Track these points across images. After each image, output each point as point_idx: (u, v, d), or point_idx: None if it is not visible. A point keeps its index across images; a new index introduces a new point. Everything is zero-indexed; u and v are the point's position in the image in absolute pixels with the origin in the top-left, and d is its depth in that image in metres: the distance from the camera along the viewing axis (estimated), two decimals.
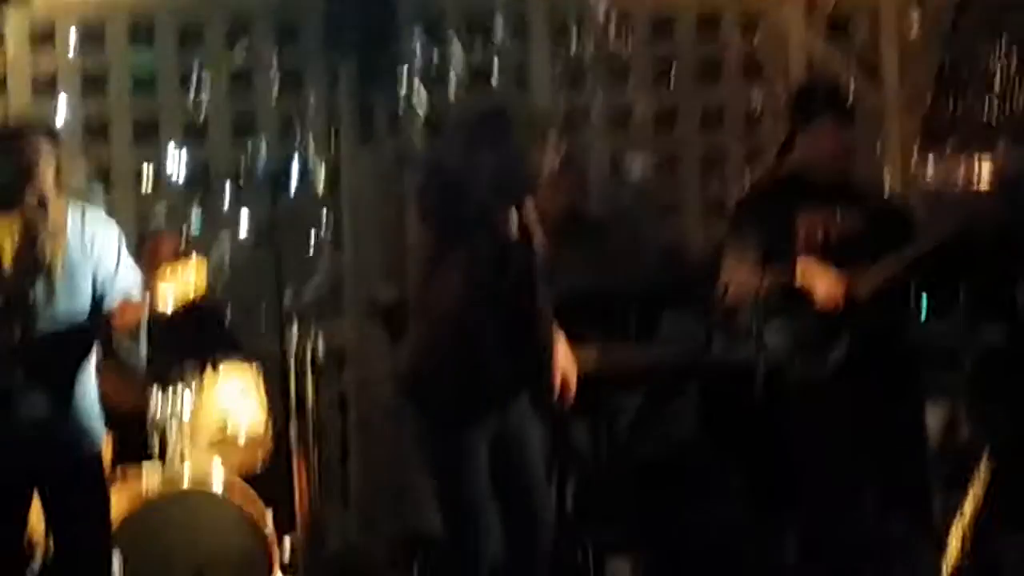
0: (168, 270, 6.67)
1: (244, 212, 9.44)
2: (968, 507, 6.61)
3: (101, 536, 6.81)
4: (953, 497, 6.89)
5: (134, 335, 7.38)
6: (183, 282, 6.66)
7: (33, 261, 6.52)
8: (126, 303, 6.63)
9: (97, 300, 6.63)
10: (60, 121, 9.34)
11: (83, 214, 6.75)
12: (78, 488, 6.69)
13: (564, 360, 6.98)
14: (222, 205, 9.48)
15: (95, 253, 6.67)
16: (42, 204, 6.48)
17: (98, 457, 6.81)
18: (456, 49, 9.90)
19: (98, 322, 6.64)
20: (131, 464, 7.86)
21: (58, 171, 6.67)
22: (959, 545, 6.57)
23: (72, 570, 6.77)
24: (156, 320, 7.21)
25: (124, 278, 6.68)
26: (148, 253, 8.33)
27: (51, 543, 6.92)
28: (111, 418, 7.03)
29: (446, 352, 6.74)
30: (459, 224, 6.62)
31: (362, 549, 8.67)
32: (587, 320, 7.65)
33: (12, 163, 6.30)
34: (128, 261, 6.78)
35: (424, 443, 6.89)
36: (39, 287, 6.52)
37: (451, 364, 6.72)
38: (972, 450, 7.19)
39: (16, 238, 6.49)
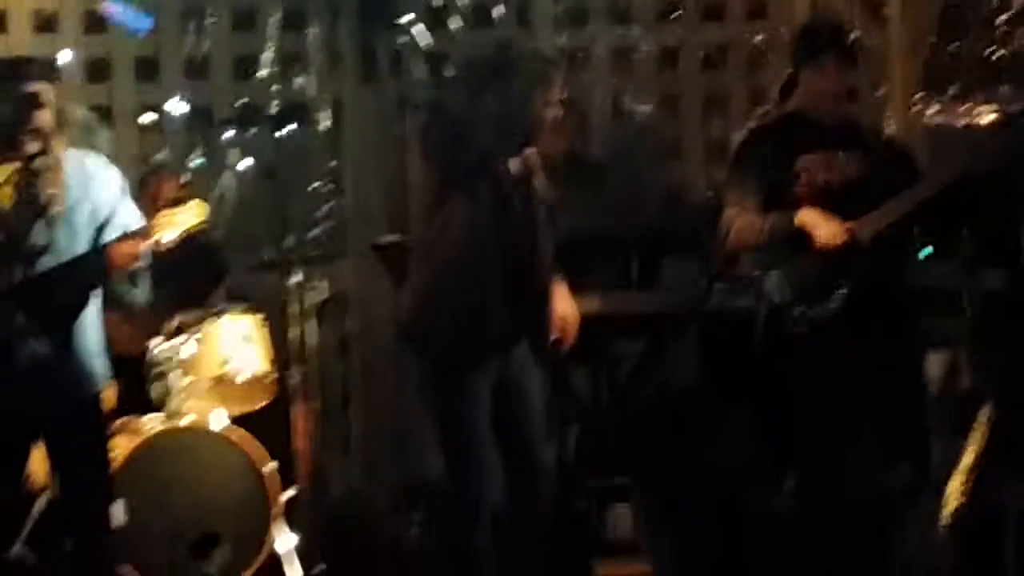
0: (168, 211, 6.69)
1: (246, 152, 9.44)
2: (968, 455, 6.61)
3: (102, 475, 6.85)
4: (954, 444, 6.89)
5: (133, 276, 7.38)
6: (183, 222, 6.67)
7: (33, 201, 6.52)
8: (123, 240, 6.63)
9: (97, 242, 6.64)
10: (61, 59, 9.32)
11: (83, 157, 6.76)
12: (80, 428, 6.71)
13: (564, 305, 6.98)
14: (223, 145, 9.46)
15: (94, 195, 6.67)
16: (42, 143, 6.48)
17: (98, 398, 6.84)
18: None
19: (95, 262, 6.65)
20: (135, 415, 7.89)
21: (58, 110, 6.67)
22: (959, 492, 6.58)
23: (75, 509, 6.81)
24: (157, 264, 7.22)
25: (123, 222, 6.69)
26: (148, 193, 8.34)
27: (55, 483, 6.96)
28: (114, 364, 7.05)
29: (447, 296, 6.74)
30: (461, 167, 6.62)
31: (364, 496, 8.69)
32: (588, 266, 7.65)
33: (11, 100, 6.29)
34: (128, 203, 6.78)
35: (426, 388, 6.90)
36: (38, 228, 6.52)
37: (452, 308, 6.73)
38: (973, 398, 7.19)
39: (15, 178, 6.49)
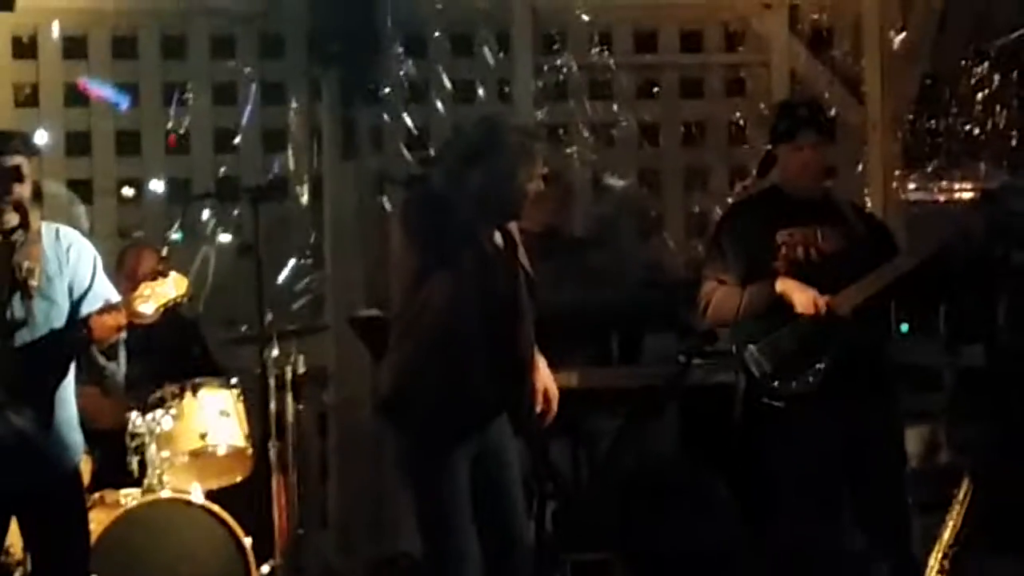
0: (147, 284, 6.70)
1: (225, 227, 9.45)
2: (947, 530, 6.62)
3: (79, 550, 6.82)
4: (932, 520, 6.89)
5: (112, 350, 7.37)
6: (163, 295, 6.68)
7: (11, 277, 6.52)
8: (103, 313, 6.63)
9: (75, 315, 6.64)
10: (41, 133, 9.34)
11: (58, 230, 6.76)
12: (56, 502, 6.68)
13: (545, 380, 6.98)
14: (203, 219, 9.47)
15: (70, 269, 6.67)
16: (21, 217, 6.49)
17: (77, 471, 6.82)
18: (439, 63, 9.92)
19: (75, 336, 6.64)
20: (111, 489, 7.88)
21: (37, 185, 6.68)
22: (938, 568, 6.58)
23: None
24: (135, 338, 7.21)
25: (99, 295, 6.69)
26: (127, 266, 8.36)
27: (29, 560, 6.93)
28: (91, 438, 7.04)
29: (428, 370, 6.72)
30: (444, 243, 6.64)
31: (340, 571, 8.66)
32: (568, 341, 7.65)
33: None
34: (103, 279, 6.78)
35: (405, 463, 6.87)
36: (16, 301, 6.53)
37: (433, 383, 6.70)
38: (951, 473, 7.20)
39: None
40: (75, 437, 6.73)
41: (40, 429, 6.52)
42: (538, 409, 6.93)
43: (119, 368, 7.43)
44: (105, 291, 6.72)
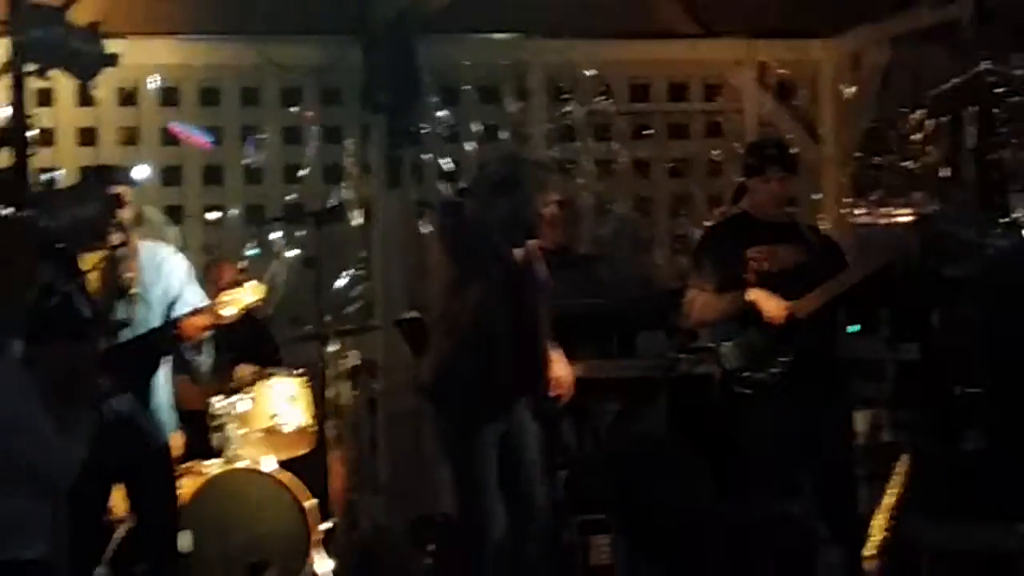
0: (229, 292, 6.72)
1: (291, 244, 9.46)
2: (889, 497, 6.59)
3: (170, 510, 6.84)
4: (876, 489, 6.86)
5: (198, 347, 7.37)
6: (241, 301, 6.70)
7: (115, 285, 6.55)
8: (192, 316, 6.66)
9: (168, 317, 6.66)
10: (141, 167, 9.35)
11: (155, 247, 6.80)
12: (153, 470, 6.72)
13: (561, 368, 7.00)
14: (274, 238, 9.48)
15: (165, 278, 6.71)
16: (123, 236, 6.51)
17: (167, 446, 6.85)
18: (468, 110, 9.92)
19: (167, 334, 6.66)
20: (198, 460, 7.89)
21: (137, 210, 6.70)
22: (881, 528, 6.55)
23: (148, 537, 6.81)
24: (219, 335, 7.23)
25: (188, 300, 6.72)
26: (212, 277, 8.36)
27: (130, 519, 6.96)
28: (182, 418, 7.06)
29: (466, 362, 6.76)
30: (477, 258, 6.67)
31: (387, 528, 8.65)
32: (576, 339, 7.65)
33: (99, 201, 6.21)
34: (194, 287, 6.81)
35: (446, 439, 6.91)
36: (120, 305, 6.55)
37: (470, 372, 6.75)
38: (892, 449, 7.18)
39: (101, 264, 6.51)
40: (167, 417, 6.77)
41: (139, 411, 6.56)
42: (553, 393, 6.96)
43: (205, 361, 7.44)
44: (194, 297, 6.75)
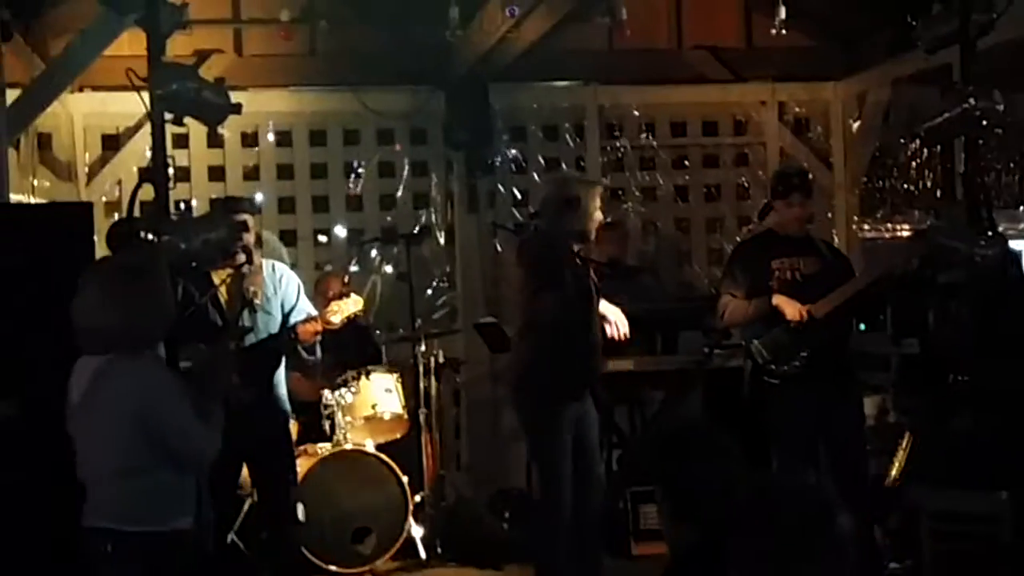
0: (336, 303, 6.77)
1: (387, 261, 9.51)
2: (894, 469, 6.56)
3: (289, 485, 6.89)
4: (884, 463, 6.83)
5: (311, 349, 7.41)
6: (347, 310, 6.75)
7: (241, 297, 6.61)
8: (304, 324, 6.70)
9: (285, 324, 6.72)
10: (261, 197, 9.45)
11: (273, 264, 6.85)
12: (274, 452, 6.77)
13: (611, 312, 6.97)
14: (372, 256, 9.53)
15: (282, 292, 6.76)
16: (247, 256, 6.57)
17: (287, 430, 6.90)
18: (534, 146, 9.94)
19: (286, 339, 6.71)
20: (311, 443, 7.94)
21: (258, 234, 6.76)
22: (887, 496, 6.53)
23: (270, 509, 6.85)
24: (328, 338, 7.27)
25: (302, 309, 6.77)
26: (321, 289, 8.42)
27: (256, 493, 7.02)
28: (297, 408, 7.11)
29: (546, 358, 6.72)
30: (551, 269, 6.64)
31: (470, 500, 8.66)
32: (627, 340, 7.64)
33: (228, 226, 6.23)
34: (304, 298, 6.86)
35: (530, 425, 6.86)
36: (246, 315, 6.61)
37: (550, 366, 6.71)
38: (897, 429, 7.14)
39: (229, 280, 6.58)
40: (286, 407, 6.82)
41: (263, 402, 6.61)
42: (614, 333, 6.93)
43: (317, 360, 7.48)
44: (307, 307, 6.81)
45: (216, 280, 6.54)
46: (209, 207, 8.99)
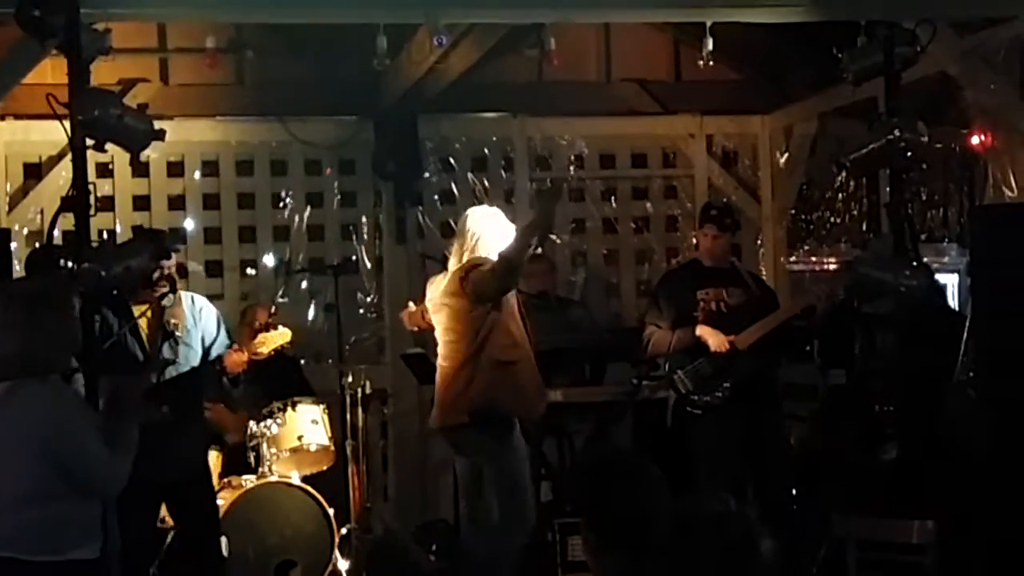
0: (263, 335, 6.74)
1: (315, 292, 9.46)
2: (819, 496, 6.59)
3: (211, 519, 6.83)
4: (808, 489, 6.86)
5: (235, 380, 7.33)
6: (274, 341, 6.72)
7: (163, 329, 6.55)
8: (230, 355, 6.66)
9: (206, 356, 6.66)
10: (187, 227, 9.38)
11: (192, 297, 6.80)
12: (195, 484, 6.71)
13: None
14: (301, 287, 9.47)
15: (202, 324, 6.72)
16: (169, 287, 6.52)
17: (207, 463, 6.84)
18: (463, 177, 9.93)
19: (213, 369, 6.66)
20: (236, 475, 7.86)
21: (183, 265, 6.71)
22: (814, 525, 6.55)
23: (192, 544, 6.78)
24: (255, 369, 7.21)
25: (222, 342, 6.73)
26: (248, 320, 8.35)
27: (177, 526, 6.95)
28: (221, 439, 7.03)
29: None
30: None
31: (397, 532, 8.60)
32: (555, 369, 7.63)
33: (149, 257, 6.20)
34: (224, 331, 6.83)
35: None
36: (167, 347, 6.55)
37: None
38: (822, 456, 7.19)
39: (150, 313, 6.52)
40: (205, 439, 6.77)
41: (183, 434, 6.54)
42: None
43: (240, 392, 7.41)
44: (225, 338, 6.78)
45: (136, 312, 6.47)
46: (132, 235, 8.91)
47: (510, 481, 6.71)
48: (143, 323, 6.51)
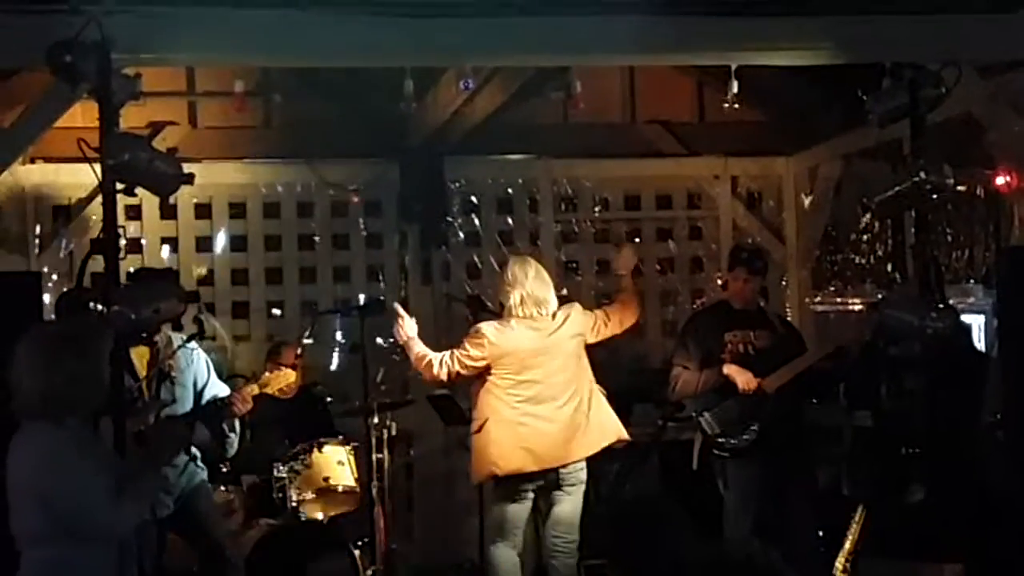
0: (267, 375, 6.79)
1: (341, 333, 9.47)
2: (847, 542, 6.54)
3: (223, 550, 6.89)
4: (837, 536, 6.81)
5: (231, 423, 7.27)
6: (279, 383, 6.78)
7: (159, 372, 6.58)
8: (234, 397, 6.72)
9: (199, 400, 6.82)
10: (215, 267, 9.44)
11: (182, 339, 6.79)
12: (200, 518, 6.80)
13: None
14: (327, 328, 9.47)
15: (194, 367, 6.83)
16: (199, 331, 6.57)
17: (210, 501, 6.93)
18: (488, 218, 9.95)
19: (222, 409, 6.77)
20: (263, 515, 7.85)
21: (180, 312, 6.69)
22: (841, 568, 6.50)
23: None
24: (280, 409, 7.22)
25: (213, 384, 6.85)
26: (275, 359, 8.34)
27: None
28: (238, 479, 7.08)
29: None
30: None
31: (423, 572, 8.58)
32: None
33: (180, 302, 6.14)
34: (214, 374, 6.98)
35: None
36: (164, 388, 6.58)
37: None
38: (850, 502, 7.13)
39: (148, 357, 6.58)
40: (202, 474, 6.88)
41: (182, 472, 6.64)
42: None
43: (235, 442, 7.35)
44: (217, 382, 6.93)
45: (135, 354, 6.53)
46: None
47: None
48: (140, 364, 6.57)
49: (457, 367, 7.08)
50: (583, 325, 7.18)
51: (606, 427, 7.17)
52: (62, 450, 4.55)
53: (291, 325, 9.55)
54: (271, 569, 7.54)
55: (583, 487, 7.18)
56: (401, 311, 7.35)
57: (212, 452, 6.96)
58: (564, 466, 7.05)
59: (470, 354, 7.05)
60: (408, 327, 7.29)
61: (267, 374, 6.88)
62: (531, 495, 7.09)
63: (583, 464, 7.16)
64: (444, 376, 7.14)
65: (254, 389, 6.81)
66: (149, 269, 8.00)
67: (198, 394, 6.76)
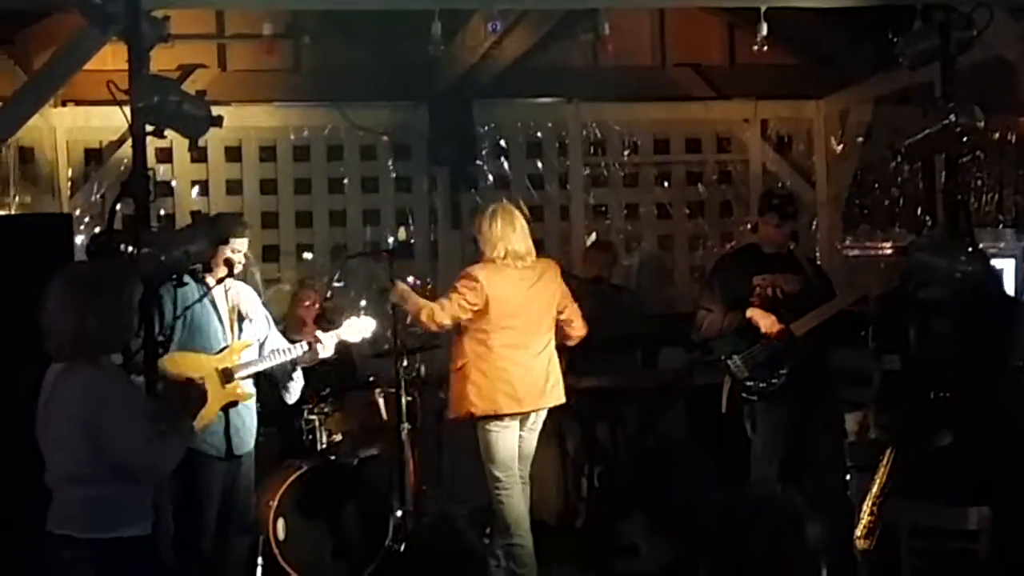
0: (349, 323, 7.04)
1: (370, 276, 9.47)
2: (875, 485, 6.55)
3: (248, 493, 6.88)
4: (864, 478, 6.82)
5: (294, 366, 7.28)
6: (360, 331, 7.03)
7: (236, 310, 6.60)
8: (314, 339, 6.85)
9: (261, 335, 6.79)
10: (245, 210, 9.43)
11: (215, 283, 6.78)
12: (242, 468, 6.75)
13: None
14: (356, 271, 9.48)
15: (258, 305, 6.78)
16: (228, 272, 6.55)
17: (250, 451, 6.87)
18: (517, 162, 9.93)
19: (305, 352, 6.84)
20: (293, 457, 7.89)
21: (245, 254, 6.72)
22: (869, 511, 6.51)
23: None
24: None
25: (270, 322, 6.90)
26: (299, 301, 8.40)
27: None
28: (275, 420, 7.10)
29: None
30: None
31: (451, 515, 8.62)
32: (608, 354, 7.64)
33: (210, 245, 6.12)
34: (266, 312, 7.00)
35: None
36: (243, 327, 6.65)
37: None
38: (878, 444, 7.15)
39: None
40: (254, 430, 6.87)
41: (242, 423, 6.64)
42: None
43: (298, 382, 7.38)
44: (271, 320, 6.94)
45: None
46: (191, 220, 8.99)
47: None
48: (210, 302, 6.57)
49: (458, 311, 7.09)
50: (558, 286, 7.22)
51: (562, 383, 7.28)
52: (108, 387, 4.60)
53: (321, 268, 9.57)
54: (302, 512, 7.58)
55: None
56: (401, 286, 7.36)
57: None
58: (536, 411, 7.16)
59: (466, 298, 7.07)
60: (400, 287, 7.31)
61: (348, 323, 6.96)
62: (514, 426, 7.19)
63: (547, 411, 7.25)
64: (447, 321, 7.15)
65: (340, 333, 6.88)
66: (220, 214, 7.99)
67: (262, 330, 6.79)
